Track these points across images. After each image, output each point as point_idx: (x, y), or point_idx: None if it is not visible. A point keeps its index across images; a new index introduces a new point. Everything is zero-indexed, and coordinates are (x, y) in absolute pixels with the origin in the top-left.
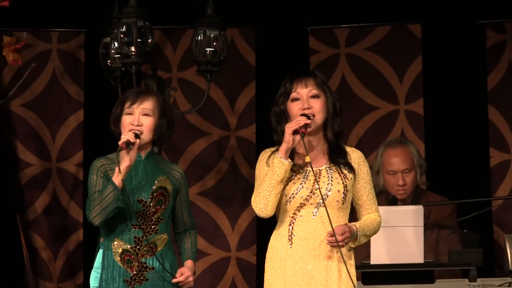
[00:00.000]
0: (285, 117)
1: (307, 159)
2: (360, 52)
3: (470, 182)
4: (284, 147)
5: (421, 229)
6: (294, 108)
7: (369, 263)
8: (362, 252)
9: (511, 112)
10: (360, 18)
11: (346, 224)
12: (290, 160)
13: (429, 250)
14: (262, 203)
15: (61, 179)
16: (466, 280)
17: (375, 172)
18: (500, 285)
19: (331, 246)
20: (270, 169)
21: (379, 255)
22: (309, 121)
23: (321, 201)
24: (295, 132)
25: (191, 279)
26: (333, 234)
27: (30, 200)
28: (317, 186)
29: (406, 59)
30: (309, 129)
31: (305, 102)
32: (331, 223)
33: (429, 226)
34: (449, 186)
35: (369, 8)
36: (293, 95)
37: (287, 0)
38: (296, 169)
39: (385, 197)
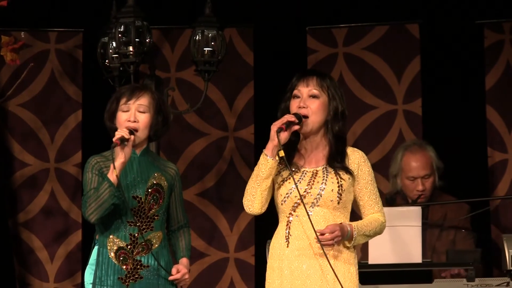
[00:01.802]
0: (288, 113)
1: (281, 153)
2: (358, 51)
3: (468, 182)
4: (269, 144)
5: (419, 229)
6: (293, 105)
7: (367, 262)
8: (361, 252)
9: (509, 112)
10: (358, 17)
11: (340, 223)
12: (275, 158)
13: (444, 252)
14: (249, 199)
15: (60, 179)
16: (464, 280)
17: (393, 175)
18: (498, 285)
19: (322, 245)
20: (256, 166)
21: (378, 255)
22: (292, 119)
23: (315, 200)
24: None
25: (187, 276)
26: (322, 234)
27: (27, 200)
28: (298, 186)
29: (404, 59)
30: (294, 128)
31: (302, 101)
32: (312, 223)
33: (445, 227)
34: (447, 186)
35: (367, 8)
36: (295, 92)
37: (285, 0)
38: (294, 169)
39: (401, 198)
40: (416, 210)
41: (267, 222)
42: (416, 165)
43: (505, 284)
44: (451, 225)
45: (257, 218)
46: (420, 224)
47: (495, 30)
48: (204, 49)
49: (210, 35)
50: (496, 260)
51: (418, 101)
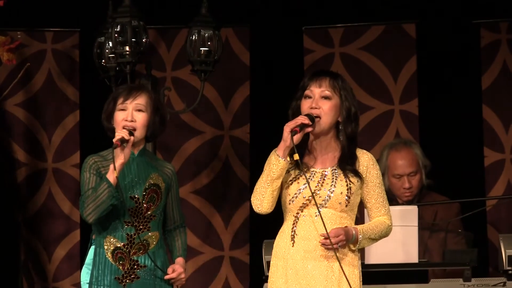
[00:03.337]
0: (300, 113)
1: (296, 157)
2: (355, 51)
3: (464, 182)
4: (282, 145)
5: (416, 229)
6: (305, 105)
7: (364, 262)
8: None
9: (506, 112)
10: (355, 17)
11: (346, 226)
12: (287, 159)
13: (437, 252)
14: (258, 199)
15: (58, 179)
16: (461, 280)
17: None
18: (494, 285)
19: (325, 248)
20: (267, 165)
21: (374, 254)
22: (306, 121)
23: (323, 202)
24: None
25: (183, 275)
26: (327, 236)
27: (25, 200)
28: (306, 186)
29: (401, 59)
30: (308, 130)
31: (314, 102)
32: (324, 224)
33: (436, 226)
34: (444, 186)
35: (364, 8)
36: (307, 92)
37: (281, 0)
38: (303, 169)
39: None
40: (413, 210)
41: (262, 220)
42: (401, 163)
43: (502, 284)
44: (442, 224)
45: (252, 217)
46: (416, 224)
47: (492, 30)
48: (201, 49)
49: (206, 35)
50: (492, 260)
51: (415, 101)
